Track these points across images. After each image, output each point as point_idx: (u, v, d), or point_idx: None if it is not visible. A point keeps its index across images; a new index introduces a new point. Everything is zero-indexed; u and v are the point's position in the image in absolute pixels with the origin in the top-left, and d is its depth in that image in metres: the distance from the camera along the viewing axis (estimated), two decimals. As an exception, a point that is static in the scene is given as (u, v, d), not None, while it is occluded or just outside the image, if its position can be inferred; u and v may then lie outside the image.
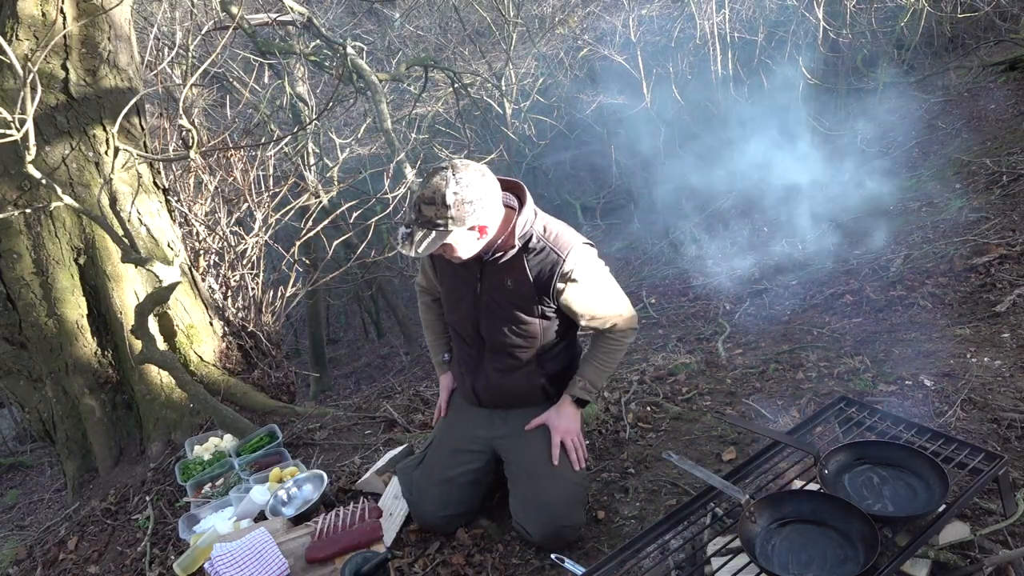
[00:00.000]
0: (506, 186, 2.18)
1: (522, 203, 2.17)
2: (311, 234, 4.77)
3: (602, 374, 2.33)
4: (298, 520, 2.60)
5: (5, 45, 2.50)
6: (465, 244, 2.05)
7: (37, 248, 3.39)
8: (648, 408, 3.11)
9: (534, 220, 2.17)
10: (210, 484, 3.01)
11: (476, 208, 1.99)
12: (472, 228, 2.01)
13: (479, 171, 2.01)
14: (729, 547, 1.89)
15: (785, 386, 3.17)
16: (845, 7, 7.95)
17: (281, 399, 3.92)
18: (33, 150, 2.60)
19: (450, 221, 1.97)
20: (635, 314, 2.33)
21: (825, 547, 1.74)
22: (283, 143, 5.92)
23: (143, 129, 3.68)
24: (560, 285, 2.15)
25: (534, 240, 2.15)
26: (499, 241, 2.15)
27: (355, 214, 5.23)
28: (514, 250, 2.15)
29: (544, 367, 2.33)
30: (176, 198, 4.14)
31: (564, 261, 2.13)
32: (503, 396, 2.38)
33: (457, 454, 2.42)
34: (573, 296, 2.17)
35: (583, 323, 2.26)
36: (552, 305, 2.20)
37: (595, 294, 2.21)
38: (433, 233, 1.98)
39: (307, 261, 6.03)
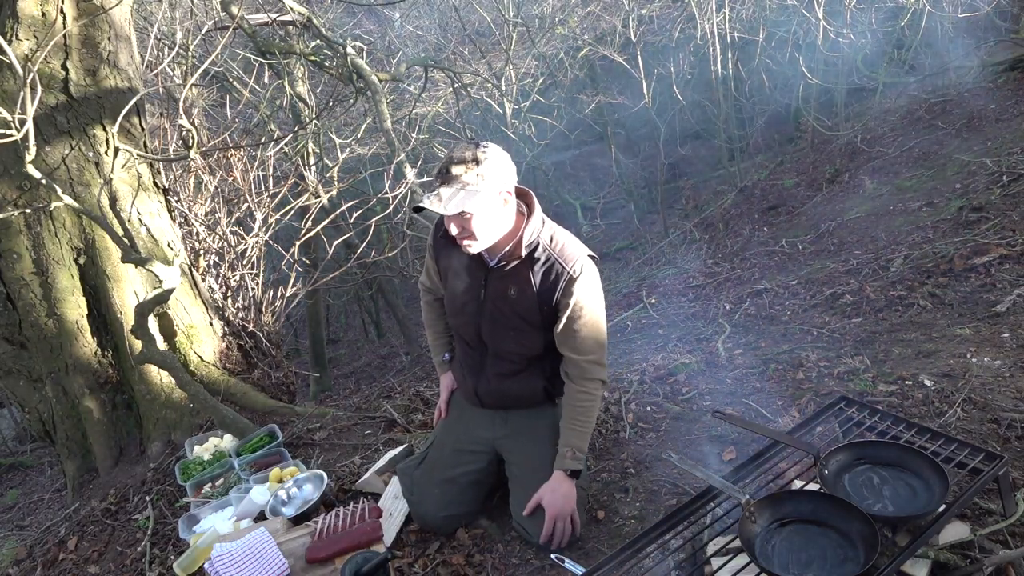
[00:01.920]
0: (515, 192, 2.18)
1: (531, 211, 2.16)
2: (311, 234, 4.77)
3: (584, 436, 2.25)
4: (298, 520, 2.60)
5: (5, 45, 2.50)
6: (488, 212, 2.02)
7: (37, 248, 3.39)
8: (648, 408, 3.11)
9: (541, 228, 2.17)
10: (210, 484, 3.01)
11: (503, 174, 2.01)
12: (499, 193, 2.02)
13: (498, 147, 2.06)
14: (729, 547, 1.89)
15: (785, 386, 3.17)
16: (845, 7, 7.95)
17: (281, 399, 3.92)
18: (33, 150, 2.60)
19: (479, 179, 1.97)
20: (606, 365, 2.25)
21: (825, 547, 1.73)
22: (283, 143, 5.92)
23: (143, 129, 3.68)
24: (562, 296, 2.15)
25: (540, 250, 2.15)
26: (507, 248, 2.15)
27: (355, 214, 5.23)
28: (520, 259, 2.14)
29: (546, 370, 2.33)
30: (176, 198, 4.14)
31: (568, 272, 2.12)
32: (505, 398, 2.37)
33: (458, 454, 2.42)
34: (566, 309, 2.15)
35: (558, 341, 2.21)
36: (554, 314, 2.19)
37: (585, 313, 2.17)
38: (463, 191, 1.98)
39: (307, 261, 6.04)
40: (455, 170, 1.98)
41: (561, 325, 2.18)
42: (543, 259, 2.15)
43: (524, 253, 2.14)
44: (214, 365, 3.77)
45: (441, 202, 1.98)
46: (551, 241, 2.17)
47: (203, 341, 3.76)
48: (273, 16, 5.49)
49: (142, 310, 3.15)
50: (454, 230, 2.06)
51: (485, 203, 2.00)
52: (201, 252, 4.19)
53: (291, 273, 4.53)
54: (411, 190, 5.30)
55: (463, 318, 2.31)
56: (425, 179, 5.93)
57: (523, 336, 2.23)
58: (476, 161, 1.97)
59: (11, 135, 2.51)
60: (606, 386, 2.28)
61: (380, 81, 5.64)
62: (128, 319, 3.46)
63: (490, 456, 2.42)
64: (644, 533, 1.90)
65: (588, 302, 2.16)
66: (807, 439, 2.18)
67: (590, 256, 2.18)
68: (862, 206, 6.51)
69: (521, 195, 2.18)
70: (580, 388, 2.22)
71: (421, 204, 2.00)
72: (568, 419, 2.25)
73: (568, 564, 2.06)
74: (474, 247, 2.10)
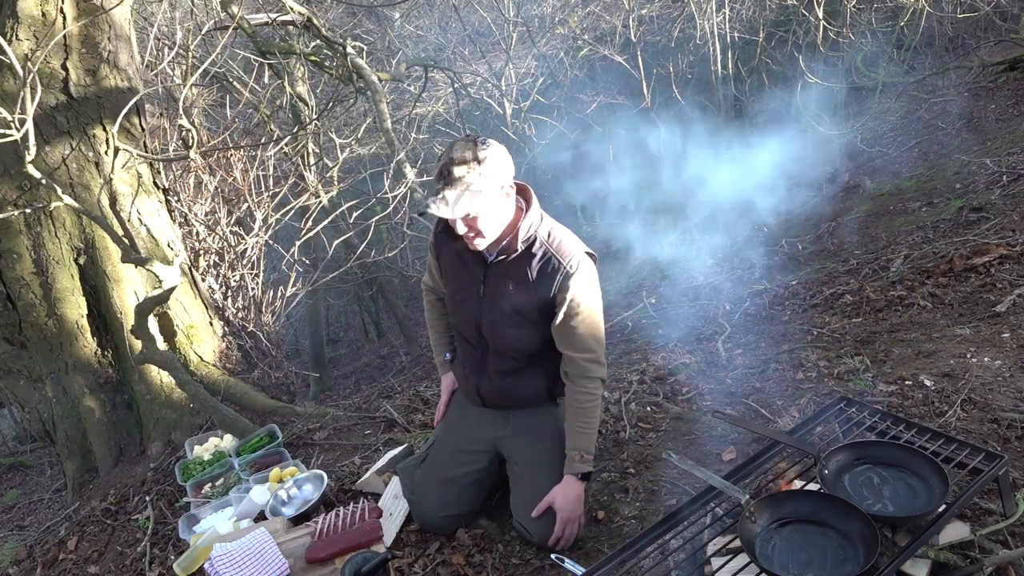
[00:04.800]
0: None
1: (529, 205, 2.17)
2: (311, 234, 4.77)
3: (590, 437, 2.25)
4: (298, 520, 2.61)
5: (5, 45, 2.50)
6: (493, 209, 2.04)
7: (37, 248, 3.39)
8: (648, 408, 3.11)
9: (539, 223, 2.17)
10: (210, 484, 3.01)
11: (503, 169, 2.02)
12: (501, 187, 2.03)
13: (496, 142, 2.05)
14: (729, 547, 1.89)
15: (785, 386, 3.17)
16: (845, 7, 7.95)
17: (281, 399, 3.92)
18: (33, 150, 2.60)
19: (482, 178, 1.98)
20: (606, 363, 2.25)
21: (825, 547, 1.73)
22: (283, 143, 5.92)
23: (143, 129, 3.68)
24: (558, 291, 2.15)
25: (537, 244, 2.15)
26: (505, 241, 2.15)
27: (355, 214, 5.23)
28: (517, 252, 2.14)
29: (547, 369, 2.32)
30: (176, 198, 4.14)
31: (565, 267, 2.12)
32: (506, 397, 2.37)
33: (460, 454, 2.42)
34: (563, 304, 2.15)
35: (556, 338, 2.21)
36: (551, 310, 2.19)
37: (582, 309, 2.16)
38: (467, 193, 1.98)
39: (307, 261, 6.03)
40: (457, 171, 1.97)
41: (559, 321, 2.18)
42: (540, 254, 2.15)
43: (521, 247, 2.14)
44: (214, 365, 3.77)
45: (448, 206, 1.98)
46: (548, 236, 2.17)
47: (203, 341, 3.76)
48: (273, 16, 5.49)
49: (142, 310, 3.16)
50: (461, 228, 2.06)
51: (490, 201, 2.01)
52: (201, 252, 4.19)
53: (291, 273, 4.53)
54: (411, 190, 5.30)
55: (464, 315, 2.31)
56: (425, 179, 5.94)
57: (521, 332, 2.23)
58: (477, 160, 1.97)
59: (11, 135, 2.51)
60: (605, 384, 2.28)
61: (380, 81, 5.63)
62: (128, 319, 3.46)
63: (491, 456, 2.42)
64: (644, 533, 1.90)
65: (585, 299, 2.16)
66: (807, 439, 2.18)
67: (588, 253, 2.18)
68: (862, 206, 6.50)
69: (519, 190, 2.19)
70: (580, 388, 2.21)
71: (427, 210, 2.00)
72: (572, 421, 2.24)
73: (568, 564, 2.06)
74: (481, 244, 2.11)
